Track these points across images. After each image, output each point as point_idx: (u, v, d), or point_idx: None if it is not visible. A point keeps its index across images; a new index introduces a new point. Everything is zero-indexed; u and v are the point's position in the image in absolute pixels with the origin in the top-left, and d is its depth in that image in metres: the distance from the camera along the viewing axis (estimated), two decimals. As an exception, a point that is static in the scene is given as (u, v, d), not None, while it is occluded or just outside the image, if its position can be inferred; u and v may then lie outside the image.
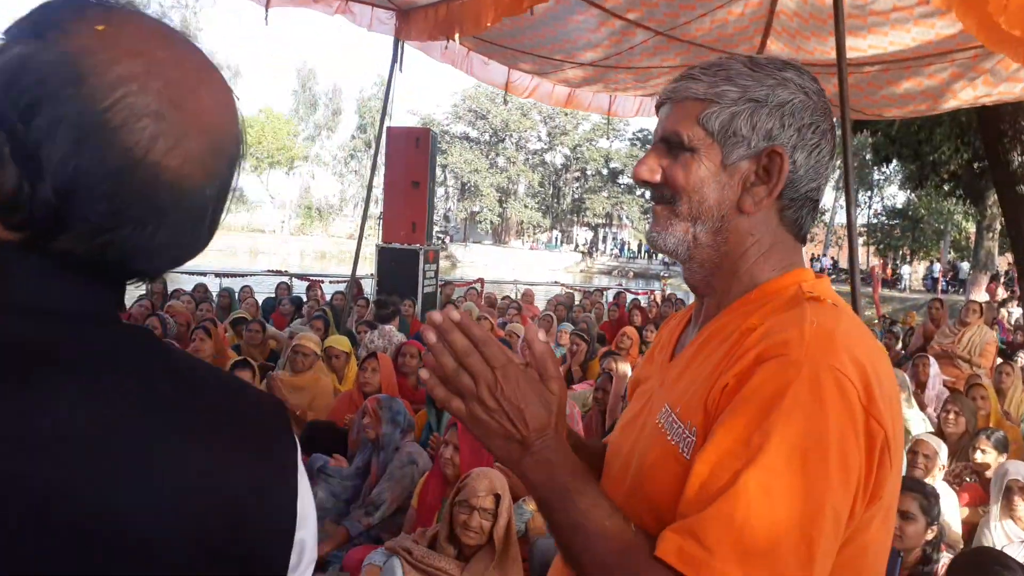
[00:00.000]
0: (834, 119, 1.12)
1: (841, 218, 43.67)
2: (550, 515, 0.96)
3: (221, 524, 0.67)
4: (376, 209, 18.80)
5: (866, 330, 1.00)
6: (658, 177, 1.07)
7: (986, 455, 4.41)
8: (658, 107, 1.11)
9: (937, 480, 4.07)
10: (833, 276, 34.15)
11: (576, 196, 59.21)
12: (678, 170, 1.04)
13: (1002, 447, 4.45)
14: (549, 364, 0.97)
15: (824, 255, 40.64)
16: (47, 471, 0.58)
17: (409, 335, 8.18)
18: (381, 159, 9.23)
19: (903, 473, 3.95)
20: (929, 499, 3.04)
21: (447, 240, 47.08)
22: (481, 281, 13.95)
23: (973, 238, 23.74)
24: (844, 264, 39.02)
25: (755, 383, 0.90)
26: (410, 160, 10.13)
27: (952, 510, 4.03)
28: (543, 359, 0.97)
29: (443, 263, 45.09)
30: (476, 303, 10.43)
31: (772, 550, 0.83)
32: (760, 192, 1.04)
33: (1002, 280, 22.80)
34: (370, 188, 8.19)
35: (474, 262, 45.07)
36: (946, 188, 17.41)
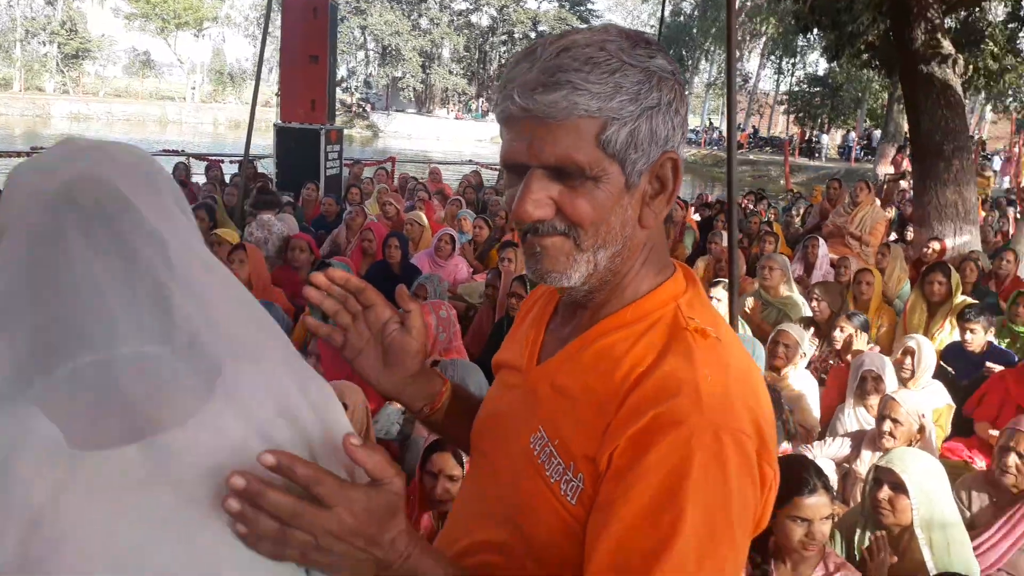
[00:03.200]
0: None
1: (764, 85, 43.78)
2: None
3: None
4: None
5: (749, 361, 0.98)
6: (551, 213, 0.92)
7: (844, 333, 4.62)
8: (509, 119, 0.92)
9: (799, 368, 4.26)
10: (754, 146, 34.55)
11: (503, 61, 57.49)
12: (580, 202, 0.91)
13: (863, 328, 4.67)
14: (386, 468, 0.84)
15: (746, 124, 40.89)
16: None
17: (308, 222, 7.97)
18: (275, 31, 8.67)
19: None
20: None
21: (368, 108, 45.49)
22: (392, 160, 13.56)
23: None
24: (765, 132, 39.45)
25: (656, 455, 0.86)
26: (308, 32, 9.52)
27: (812, 397, 4.25)
28: (375, 469, 0.83)
29: (364, 133, 43.69)
30: (388, 185, 10.19)
31: None
32: (660, 203, 0.97)
33: (907, 151, 23.38)
34: (260, 64, 7.73)
35: (397, 131, 43.87)
36: (863, 58, 17.42)
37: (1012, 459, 3.09)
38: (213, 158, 11.25)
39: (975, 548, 3.04)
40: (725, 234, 5.82)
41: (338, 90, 44.17)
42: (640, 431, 0.87)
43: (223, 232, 5.82)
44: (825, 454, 3.61)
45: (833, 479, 3.56)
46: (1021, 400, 4.28)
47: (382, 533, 0.84)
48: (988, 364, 4.71)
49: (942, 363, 4.95)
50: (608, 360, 0.95)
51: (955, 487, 3.28)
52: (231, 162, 11.31)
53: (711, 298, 5.21)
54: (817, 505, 2.32)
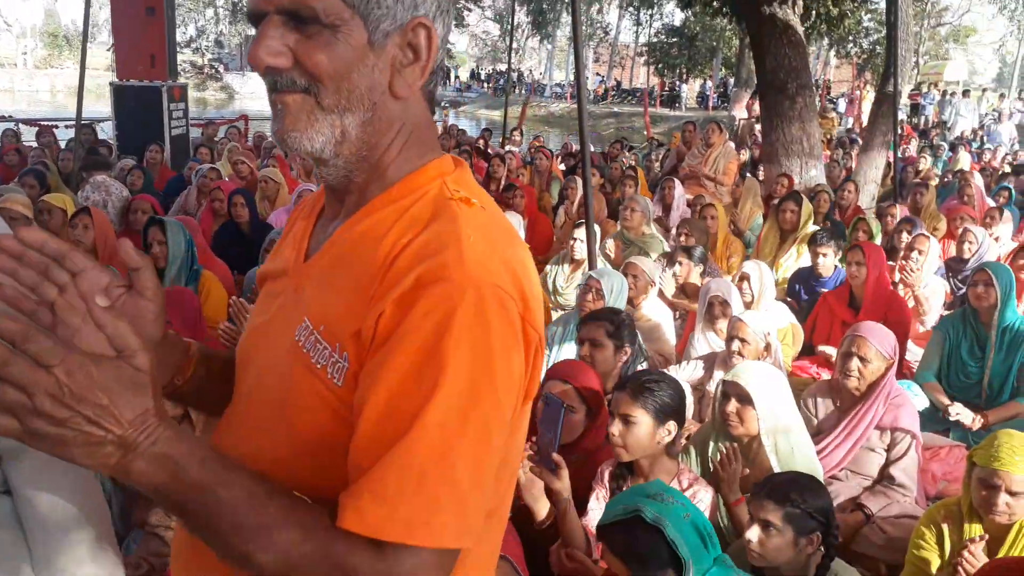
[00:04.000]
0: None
1: (624, 37, 44.51)
2: (192, 521, 0.82)
3: None
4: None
5: (514, 231, 0.97)
6: (287, 61, 0.88)
7: (682, 267, 4.82)
8: None
9: (650, 297, 4.37)
10: (618, 98, 35.17)
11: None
12: (316, 52, 0.87)
13: (698, 260, 4.88)
14: (127, 337, 0.78)
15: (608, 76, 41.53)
16: None
17: (153, 187, 7.49)
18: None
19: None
20: (617, 324, 3.21)
21: (221, 69, 43.22)
22: (244, 118, 12.93)
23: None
24: (627, 84, 40.21)
25: (419, 312, 0.83)
26: (142, -18, 8.88)
27: (668, 326, 4.37)
28: (115, 335, 0.78)
29: (219, 95, 41.44)
30: (240, 143, 9.72)
31: (453, 487, 0.82)
32: (413, 73, 0.94)
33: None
34: (87, 18, 7.14)
35: (254, 92, 41.81)
36: (714, 5, 17.91)
37: (854, 363, 3.26)
38: (45, 123, 10.37)
39: (820, 452, 3.22)
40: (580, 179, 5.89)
41: (188, 50, 41.95)
42: (404, 293, 0.84)
43: (52, 198, 5.37)
44: (680, 378, 3.72)
45: (690, 401, 3.67)
46: (844, 317, 4.57)
47: (118, 407, 0.75)
48: (821, 289, 5.01)
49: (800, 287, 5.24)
50: (373, 237, 0.92)
51: (801, 397, 3.46)
52: (67, 127, 10.49)
53: (574, 239, 5.27)
54: None
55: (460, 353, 0.82)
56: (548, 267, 5.57)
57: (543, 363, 0.96)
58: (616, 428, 2.44)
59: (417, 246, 0.87)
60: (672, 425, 2.48)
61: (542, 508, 2.37)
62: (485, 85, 42.77)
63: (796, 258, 5.89)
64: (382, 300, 0.85)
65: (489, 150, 10.93)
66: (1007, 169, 11.62)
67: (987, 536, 2.50)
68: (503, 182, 7.70)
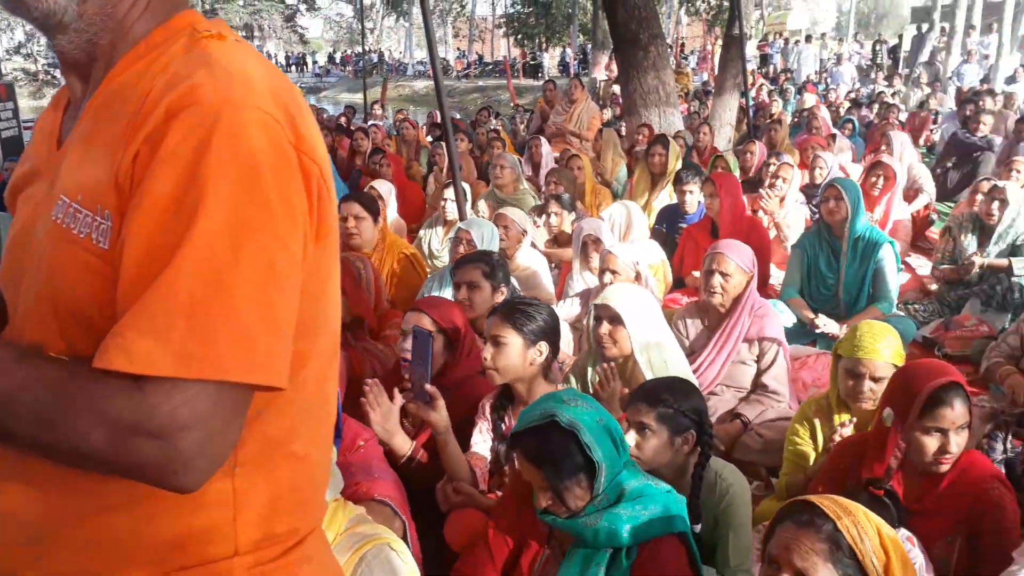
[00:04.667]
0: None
1: (481, 10, 44.41)
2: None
3: None
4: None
5: (277, 69, 0.91)
6: None
7: (552, 217, 4.86)
8: None
9: (524, 247, 4.38)
10: (481, 72, 35.10)
11: (208, 7, 53.39)
12: None
13: (568, 207, 4.94)
14: None
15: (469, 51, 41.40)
16: None
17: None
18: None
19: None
20: (492, 265, 3.19)
21: (58, 75, 40.43)
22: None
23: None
24: (489, 58, 40.20)
25: (172, 141, 0.77)
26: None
27: (544, 273, 4.39)
28: None
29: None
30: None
31: (234, 321, 0.75)
32: None
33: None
34: None
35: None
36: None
37: (716, 280, 3.36)
38: None
39: (695, 370, 3.31)
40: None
41: (19, 57, 38.94)
42: (155, 127, 0.79)
43: None
44: (559, 316, 3.74)
45: (569, 337, 3.71)
46: (707, 246, 4.72)
47: None
48: (683, 225, 5.18)
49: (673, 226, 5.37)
50: (123, 94, 0.85)
51: (671, 321, 3.54)
52: None
53: (444, 200, 5.22)
54: None
55: (221, 179, 0.76)
56: (421, 231, 5.50)
57: (332, 201, 0.90)
58: (488, 352, 2.42)
59: (167, 79, 0.80)
60: (543, 346, 2.47)
61: (400, 443, 2.34)
62: (344, 69, 41.83)
63: (669, 200, 6.05)
64: (134, 142, 0.79)
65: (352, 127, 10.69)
66: (848, 105, 12.34)
67: (855, 420, 2.64)
68: (368, 154, 7.54)
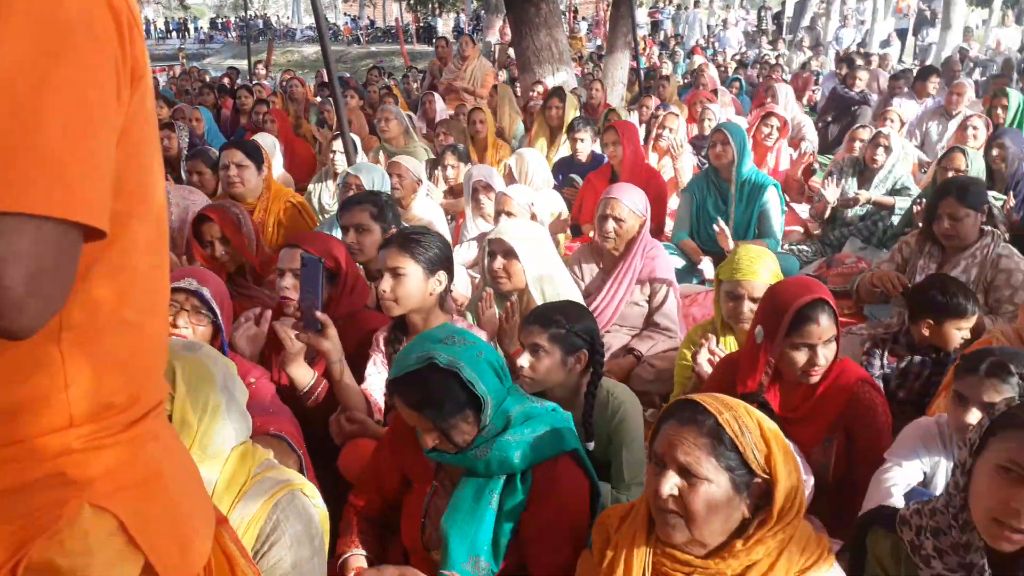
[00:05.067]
0: None
1: (374, -24, 43.31)
2: None
3: None
4: None
5: None
6: None
7: (448, 169, 4.82)
8: None
9: (419, 197, 4.30)
10: (373, 39, 34.34)
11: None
12: None
13: (465, 159, 4.90)
14: None
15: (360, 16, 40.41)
16: None
17: None
18: None
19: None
20: (380, 206, 3.11)
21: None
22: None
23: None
24: (382, 24, 39.34)
25: None
26: None
27: (440, 222, 4.32)
28: None
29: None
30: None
31: (39, 151, 0.69)
32: None
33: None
34: None
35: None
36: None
37: (610, 224, 3.38)
38: None
39: (593, 312, 3.33)
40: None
41: None
42: None
43: None
44: (455, 261, 3.70)
45: (467, 281, 3.67)
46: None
47: None
48: (572, 176, 5.22)
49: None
50: None
51: (568, 265, 3.55)
52: None
53: (332, 152, 5.08)
54: None
55: (16, 9, 0.70)
56: (311, 186, 5.32)
57: (143, 42, 0.85)
58: (387, 283, 2.35)
59: None
60: (442, 275, 2.43)
61: (303, 374, 2.26)
62: (229, 35, 40.13)
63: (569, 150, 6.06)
64: None
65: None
66: (735, 66, 12.70)
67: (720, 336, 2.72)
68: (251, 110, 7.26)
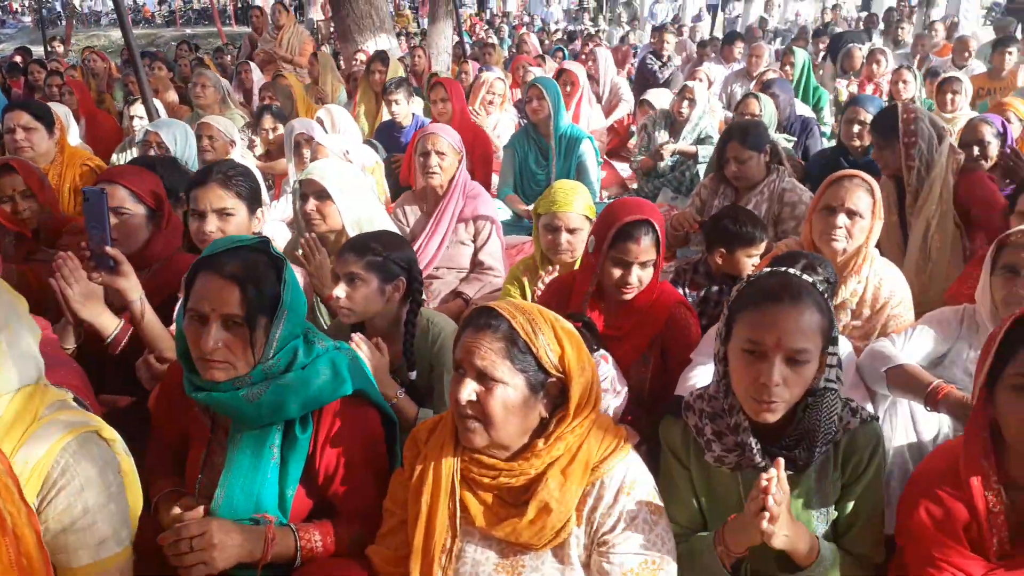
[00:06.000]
0: None
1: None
2: None
3: None
4: None
5: None
6: None
7: (269, 133, 4.71)
8: None
9: (233, 156, 4.13)
10: (187, 21, 32.42)
11: None
12: None
13: (282, 119, 4.80)
14: None
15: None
16: None
17: None
18: None
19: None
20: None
21: None
22: None
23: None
24: (198, 4, 37.23)
25: None
26: None
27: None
28: None
29: None
30: None
31: None
32: None
33: None
34: None
35: None
36: None
37: (433, 159, 3.38)
38: None
39: (418, 252, 3.32)
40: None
41: None
42: None
43: None
44: (274, 217, 3.59)
45: (286, 234, 3.56)
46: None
47: None
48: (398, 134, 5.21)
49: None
50: None
51: (394, 207, 3.54)
52: None
53: (131, 118, 4.79)
54: None
55: None
56: (113, 156, 4.97)
57: None
58: (212, 224, 2.24)
59: None
60: (259, 211, 2.36)
61: (107, 322, 2.10)
62: (23, 19, 36.66)
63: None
64: None
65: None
66: (560, 37, 13.04)
67: (555, 271, 2.79)
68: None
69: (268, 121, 4.85)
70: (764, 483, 1.42)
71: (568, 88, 5.86)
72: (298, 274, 2.49)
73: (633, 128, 7.10)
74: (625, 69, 11.03)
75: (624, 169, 5.81)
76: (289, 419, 1.68)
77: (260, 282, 1.62)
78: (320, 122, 4.23)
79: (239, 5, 32.15)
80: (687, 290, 3.09)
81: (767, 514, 1.41)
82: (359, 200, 2.74)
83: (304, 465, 1.70)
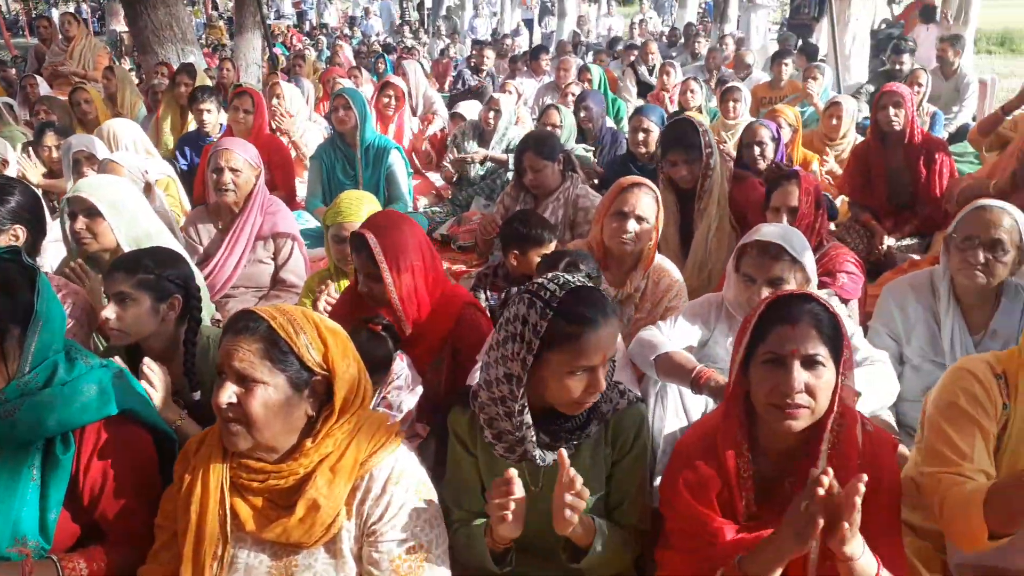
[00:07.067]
0: None
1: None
2: None
3: None
4: None
5: None
6: None
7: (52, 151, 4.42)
8: None
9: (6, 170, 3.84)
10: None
11: None
12: None
13: (65, 136, 4.54)
14: None
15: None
16: None
17: None
18: None
19: None
20: None
21: None
22: None
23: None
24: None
25: None
26: None
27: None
28: None
29: None
30: None
31: None
32: None
33: None
34: None
35: None
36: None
37: (227, 176, 3.29)
38: None
39: (209, 274, 3.22)
40: None
41: None
42: None
43: None
44: (54, 237, 3.36)
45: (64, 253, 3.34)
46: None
47: None
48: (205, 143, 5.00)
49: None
50: None
51: (185, 225, 3.39)
52: None
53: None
54: None
55: None
56: None
57: None
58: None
59: None
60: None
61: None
62: None
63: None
64: None
65: None
66: (380, 50, 12.97)
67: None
68: None
69: (50, 138, 4.53)
70: (567, 479, 1.50)
71: (393, 101, 5.87)
72: (78, 299, 2.37)
73: (448, 140, 7.22)
74: (447, 82, 11.18)
75: (437, 179, 5.88)
76: (49, 438, 1.59)
77: (10, 289, 1.55)
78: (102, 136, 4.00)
79: (34, 16, 29.80)
80: (489, 292, 3.18)
81: (567, 511, 1.51)
82: (134, 216, 2.61)
83: (68, 487, 1.63)
